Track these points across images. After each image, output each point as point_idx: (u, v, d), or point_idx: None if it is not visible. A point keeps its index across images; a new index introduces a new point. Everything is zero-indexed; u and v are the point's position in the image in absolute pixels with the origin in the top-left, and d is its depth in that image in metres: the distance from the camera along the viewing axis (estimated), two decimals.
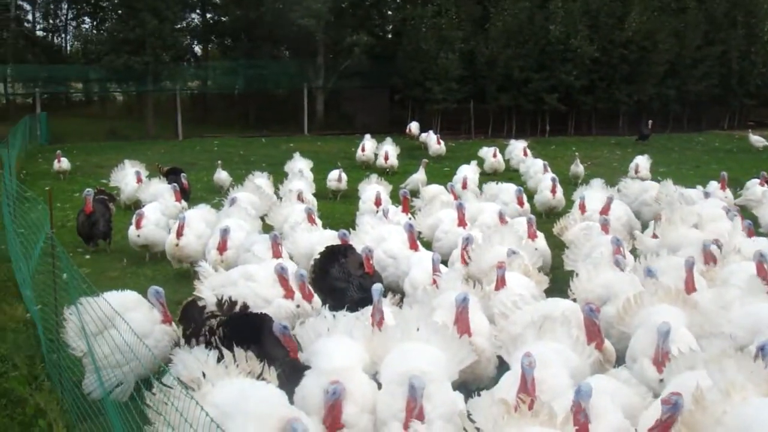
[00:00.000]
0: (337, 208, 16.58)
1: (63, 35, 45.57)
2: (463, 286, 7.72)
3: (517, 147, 22.79)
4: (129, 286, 7.96)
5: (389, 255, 9.85)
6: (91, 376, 6.43)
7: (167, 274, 11.41)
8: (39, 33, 43.97)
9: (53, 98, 39.94)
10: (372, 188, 14.70)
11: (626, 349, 6.58)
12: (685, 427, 4.74)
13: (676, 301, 7.02)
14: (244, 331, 6.28)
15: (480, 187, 16.08)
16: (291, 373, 5.88)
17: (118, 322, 5.80)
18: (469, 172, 17.29)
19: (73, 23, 44.90)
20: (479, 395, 5.28)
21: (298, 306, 7.88)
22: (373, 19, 39.58)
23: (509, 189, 14.36)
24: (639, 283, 7.83)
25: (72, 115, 39.63)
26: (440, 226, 11.64)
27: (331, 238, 10.10)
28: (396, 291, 9.02)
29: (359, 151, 23.65)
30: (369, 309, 6.96)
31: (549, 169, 17.94)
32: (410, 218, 12.07)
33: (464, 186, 15.55)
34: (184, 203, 14.16)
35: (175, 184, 14.51)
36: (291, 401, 5.35)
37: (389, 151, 22.26)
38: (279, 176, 17.60)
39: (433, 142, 25.99)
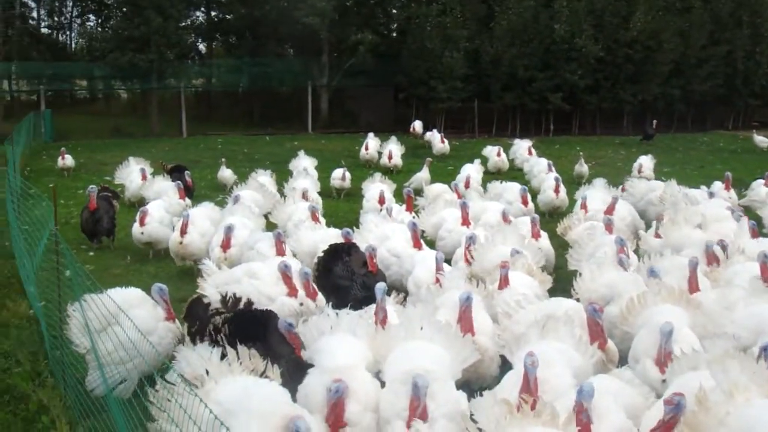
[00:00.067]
0: (341, 207, 16.59)
1: (68, 32, 45.69)
2: (466, 285, 7.71)
3: (522, 146, 22.76)
4: (132, 283, 7.99)
5: (393, 254, 9.86)
6: (94, 373, 6.45)
7: (170, 271, 11.42)
8: (44, 30, 44.08)
9: (58, 95, 40.07)
10: (376, 187, 14.72)
11: (629, 349, 6.57)
12: (688, 428, 4.73)
13: (680, 301, 7.02)
14: (250, 328, 6.29)
15: (484, 186, 16.06)
16: (294, 370, 5.88)
17: (122, 319, 5.81)
18: (472, 171, 17.30)
19: (78, 20, 45.06)
20: (482, 395, 5.28)
21: (301, 304, 7.89)
22: (378, 18, 39.54)
23: (513, 188, 14.37)
24: (642, 283, 7.82)
25: (76, 112, 39.73)
26: (444, 225, 11.65)
27: (334, 236, 10.11)
28: (399, 290, 9.03)
29: (363, 150, 23.60)
30: (372, 307, 6.96)
31: (553, 168, 17.91)
32: (414, 217, 12.06)
33: (467, 185, 15.54)
34: (187, 201, 14.20)
35: (179, 182, 14.55)
36: (294, 399, 5.36)
37: (393, 151, 22.22)
38: (283, 174, 17.61)
39: (438, 140, 26.01)
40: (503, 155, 21.83)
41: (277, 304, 7.67)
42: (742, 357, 5.32)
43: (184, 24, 38.42)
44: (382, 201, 13.81)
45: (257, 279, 8.06)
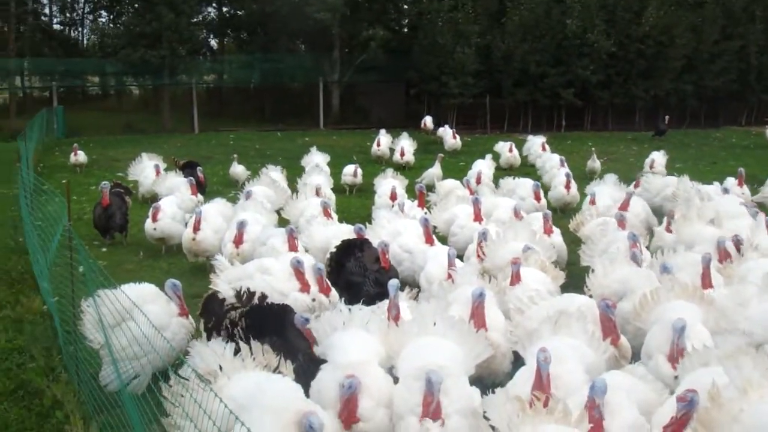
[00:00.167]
0: (353, 203, 16.60)
1: (80, 29, 45.80)
2: (478, 281, 7.70)
3: (536, 142, 22.64)
4: (145, 278, 8.00)
5: (405, 249, 9.85)
6: (108, 368, 6.48)
7: (183, 267, 11.45)
8: (56, 26, 44.25)
9: (70, 92, 40.25)
10: (387, 183, 14.71)
11: (642, 345, 6.54)
12: (701, 425, 4.70)
13: (693, 297, 6.99)
14: (267, 322, 6.31)
15: (495, 182, 16.02)
16: (308, 366, 5.89)
17: (136, 314, 5.82)
18: (483, 167, 17.27)
19: (90, 17, 45.11)
20: (494, 392, 5.28)
21: (313, 299, 7.90)
22: (389, 13, 39.49)
23: (526, 184, 14.33)
24: (655, 279, 7.79)
25: (88, 108, 39.91)
26: (456, 221, 11.64)
27: (346, 232, 10.11)
28: (412, 285, 9.00)
29: (374, 146, 23.60)
30: (385, 303, 6.94)
31: (565, 164, 17.85)
32: (426, 213, 12.04)
33: (478, 181, 15.52)
34: (200, 197, 14.20)
35: (191, 178, 14.56)
36: (307, 395, 5.37)
37: (405, 147, 22.19)
38: (295, 170, 17.62)
39: (449, 136, 25.99)
40: (515, 151, 21.78)
41: (289, 300, 7.65)
42: (755, 354, 5.30)
43: (195, 20, 38.55)
44: (394, 197, 13.80)
45: (270, 275, 8.06)
